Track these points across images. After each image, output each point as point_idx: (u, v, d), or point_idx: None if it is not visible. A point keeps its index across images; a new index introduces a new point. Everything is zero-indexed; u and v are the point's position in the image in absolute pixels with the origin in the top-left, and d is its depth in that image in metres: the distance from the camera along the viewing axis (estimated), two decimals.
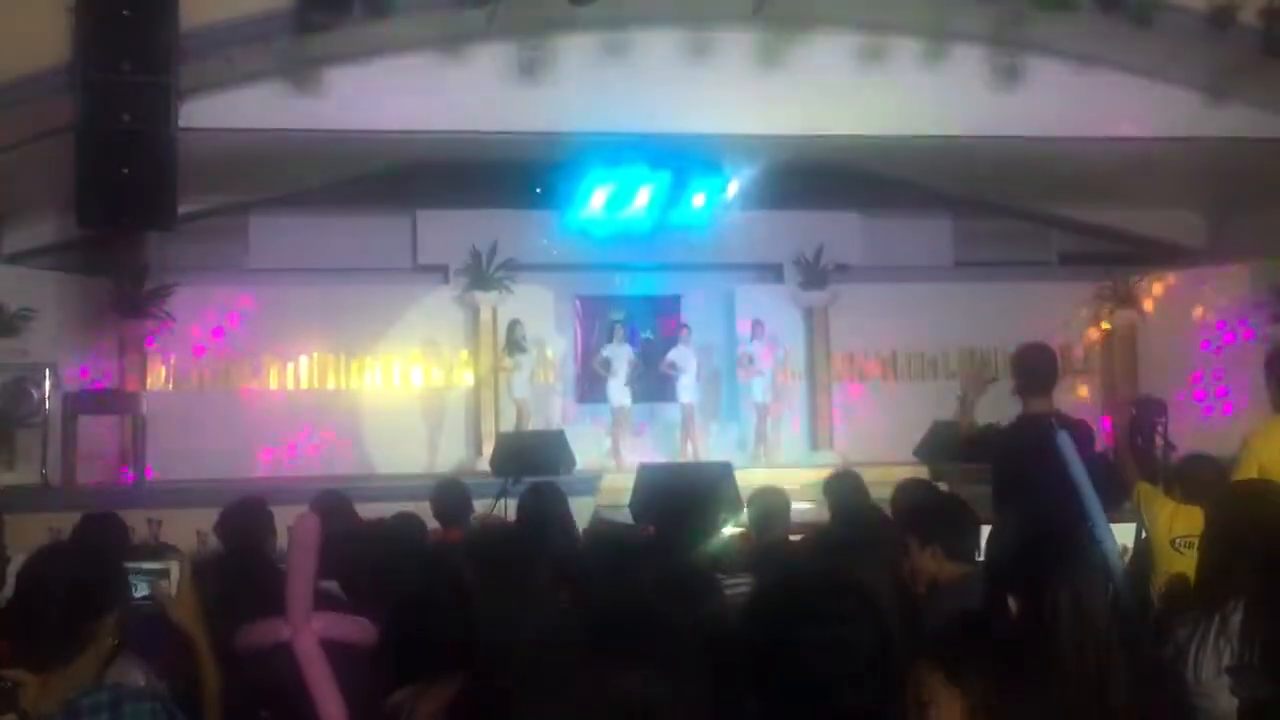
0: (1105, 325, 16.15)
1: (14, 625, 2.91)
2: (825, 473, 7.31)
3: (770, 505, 6.00)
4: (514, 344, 14.11)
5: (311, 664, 3.10)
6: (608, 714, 1.81)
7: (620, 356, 14.62)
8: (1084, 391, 15.93)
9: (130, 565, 3.16)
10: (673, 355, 14.71)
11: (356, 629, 3.30)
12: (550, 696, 1.84)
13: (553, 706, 1.83)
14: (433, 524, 6.04)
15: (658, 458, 13.63)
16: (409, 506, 5.68)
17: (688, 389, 14.62)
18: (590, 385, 15.16)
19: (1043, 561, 2.88)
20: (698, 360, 14.74)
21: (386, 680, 3.07)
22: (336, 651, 3.16)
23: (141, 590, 3.14)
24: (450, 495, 6.52)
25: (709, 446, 14.71)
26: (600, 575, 3.75)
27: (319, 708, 3.04)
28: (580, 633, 1.92)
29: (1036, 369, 5.51)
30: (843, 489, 6.31)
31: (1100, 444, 6.16)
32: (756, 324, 15.08)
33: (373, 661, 3.22)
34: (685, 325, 15.04)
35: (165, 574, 3.13)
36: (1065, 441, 3.38)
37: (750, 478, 9.55)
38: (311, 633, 3.16)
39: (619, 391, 14.54)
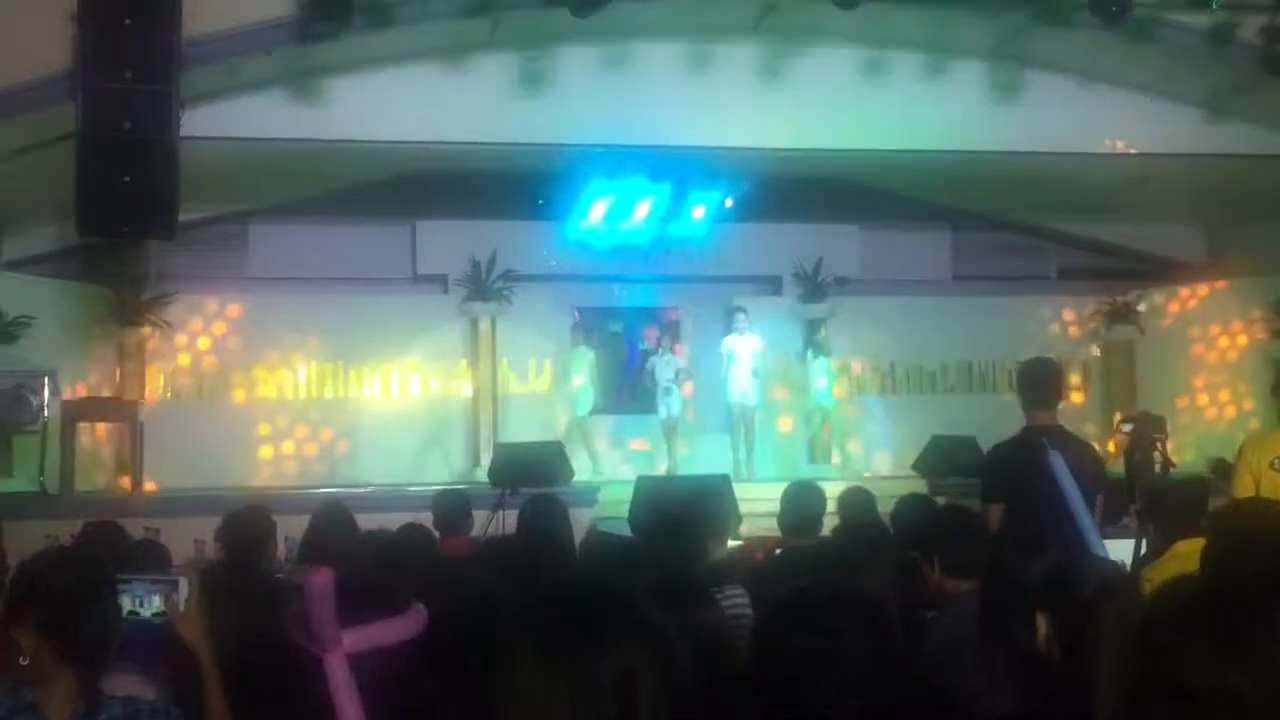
0: (1103, 340, 16.14)
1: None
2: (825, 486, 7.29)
3: (807, 506, 5.84)
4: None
5: (341, 690, 3.01)
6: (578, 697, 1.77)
7: (666, 365, 14.43)
8: (1081, 404, 15.95)
9: (137, 578, 3.12)
10: (738, 352, 14.30)
11: (390, 630, 3.19)
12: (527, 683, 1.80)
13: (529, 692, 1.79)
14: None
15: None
16: (408, 516, 5.67)
17: (750, 392, 14.27)
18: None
19: (1074, 579, 2.85)
20: (753, 363, 14.27)
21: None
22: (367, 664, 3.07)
23: (152, 605, 3.07)
24: (451, 504, 6.53)
25: (707, 458, 14.63)
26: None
27: None
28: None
29: (1040, 383, 5.53)
30: (852, 504, 6.33)
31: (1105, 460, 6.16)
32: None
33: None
34: (743, 310, 14.57)
35: (174, 587, 3.07)
36: (1058, 461, 3.36)
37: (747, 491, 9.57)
38: (341, 657, 3.07)
39: (669, 401, 14.32)
